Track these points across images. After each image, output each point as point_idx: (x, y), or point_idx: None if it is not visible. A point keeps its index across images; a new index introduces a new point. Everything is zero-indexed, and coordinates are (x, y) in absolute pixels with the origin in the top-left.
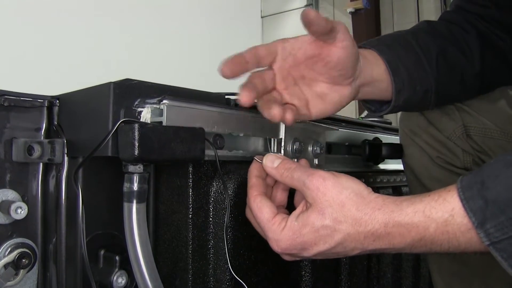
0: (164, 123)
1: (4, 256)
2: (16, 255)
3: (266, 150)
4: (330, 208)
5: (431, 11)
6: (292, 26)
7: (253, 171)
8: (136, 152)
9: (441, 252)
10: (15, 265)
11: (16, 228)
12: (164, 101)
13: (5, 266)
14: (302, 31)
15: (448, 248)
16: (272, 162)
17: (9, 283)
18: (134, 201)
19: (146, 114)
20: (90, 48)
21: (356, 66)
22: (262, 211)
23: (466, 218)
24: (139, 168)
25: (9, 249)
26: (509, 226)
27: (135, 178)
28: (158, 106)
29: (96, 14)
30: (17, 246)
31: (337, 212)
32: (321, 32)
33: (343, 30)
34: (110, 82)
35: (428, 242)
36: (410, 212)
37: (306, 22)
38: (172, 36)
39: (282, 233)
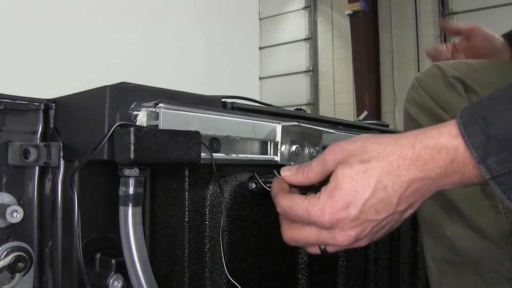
0: (160, 127)
1: (0, 260)
2: (12, 259)
3: (263, 153)
4: (353, 156)
5: (429, 14)
6: (289, 28)
7: (274, 187)
8: (132, 155)
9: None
10: (11, 269)
11: (12, 231)
12: (160, 105)
13: (1, 269)
14: (300, 33)
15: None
16: (290, 171)
17: (4, 287)
18: (130, 205)
19: (142, 118)
20: (85, 51)
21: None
22: (295, 199)
23: (475, 169)
24: (134, 171)
25: (4, 253)
26: (511, 161)
27: (131, 181)
28: (154, 110)
29: (92, 16)
30: (13, 249)
31: (361, 155)
32: None
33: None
34: (106, 86)
35: (461, 164)
36: (435, 133)
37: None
38: (169, 38)
39: (320, 199)
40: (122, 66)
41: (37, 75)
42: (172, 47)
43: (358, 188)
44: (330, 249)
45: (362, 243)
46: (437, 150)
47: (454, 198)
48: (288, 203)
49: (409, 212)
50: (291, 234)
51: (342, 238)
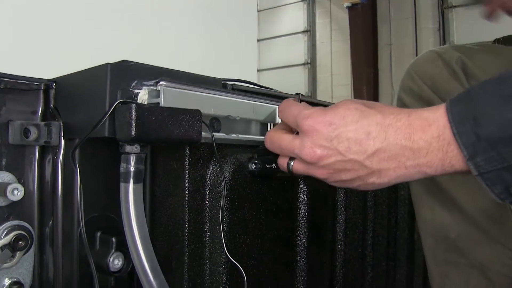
0: (161, 105)
1: (1, 238)
2: (12, 237)
3: (263, 134)
4: (362, 101)
5: (428, 7)
6: (288, 21)
7: (292, 99)
8: (133, 132)
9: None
10: (12, 247)
11: (13, 210)
12: (162, 83)
13: (2, 248)
14: (298, 25)
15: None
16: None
17: (5, 265)
18: (131, 181)
19: (143, 96)
20: (87, 33)
21: None
22: (297, 103)
23: (458, 149)
24: (136, 148)
25: (5, 231)
26: (498, 160)
27: (132, 158)
28: (155, 88)
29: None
30: (13, 228)
31: (369, 103)
32: None
33: None
34: (107, 63)
35: (446, 142)
36: (433, 108)
37: None
38: (167, 30)
39: (315, 108)
40: (121, 52)
41: (37, 64)
42: (170, 39)
43: (347, 118)
44: (295, 166)
45: (320, 172)
46: (429, 122)
47: (459, 199)
48: (290, 103)
49: (375, 179)
50: (274, 133)
51: (308, 149)
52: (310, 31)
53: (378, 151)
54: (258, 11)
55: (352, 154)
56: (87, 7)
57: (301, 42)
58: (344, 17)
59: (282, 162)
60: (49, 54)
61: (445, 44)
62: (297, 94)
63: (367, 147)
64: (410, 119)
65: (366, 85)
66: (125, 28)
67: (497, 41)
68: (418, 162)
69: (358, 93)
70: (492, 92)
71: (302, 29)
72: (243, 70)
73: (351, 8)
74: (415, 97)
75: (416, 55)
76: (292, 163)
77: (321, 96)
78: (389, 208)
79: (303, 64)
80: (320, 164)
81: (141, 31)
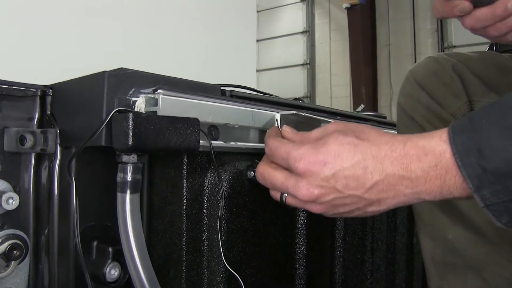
0: (158, 113)
1: None
2: (7, 247)
3: (262, 141)
4: (352, 131)
5: (426, 8)
6: (287, 21)
7: (271, 131)
8: (130, 141)
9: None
10: (6, 257)
11: (8, 219)
12: (159, 91)
13: None
14: (297, 26)
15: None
16: (291, 130)
17: (0, 275)
18: (128, 191)
19: (140, 104)
20: (88, 39)
21: None
22: (283, 141)
23: (464, 181)
24: (133, 158)
25: (0, 240)
26: (504, 193)
27: (129, 168)
28: (152, 96)
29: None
30: (8, 237)
31: (359, 133)
32: None
33: None
34: (105, 71)
35: (444, 170)
36: (427, 136)
37: None
38: (168, 30)
39: (304, 147)
40: (120, 55)
41: (36, 68)
42: (170, 40)
43: (342, 155)
44: (288, 200)
45: (317, 208)
46: (425, 151)
47: (458, 203)
48: (275, 143)
49: (374, 208)
50: (264, 170)
51: (304, 191)
52: (309, 32)
53: (377, 184)
54: (257, 11)
55: (351, 190)
56: (85, 9)
57: (300, 43)
58: (343, 18)
59: (275, 194)
60: (46, 59)
61: (443, 44)
62: (296, 99)
63: (365, 181)
64: (406, 148)
65: (365, 85)
66: (124, 30)
67: (495, 44)
68: (417, 190)
69: (356, 93)
70: (496, 122)
71: (301, 30)
72: (242, 71)
73: (350, 9)
74: (414, 102)
75: (415, 55)
76: (285, 195)
77: (320, 96)
78: (388, 213)
79: (302, 64)
80: (318, 202)
81: (140, 32)
